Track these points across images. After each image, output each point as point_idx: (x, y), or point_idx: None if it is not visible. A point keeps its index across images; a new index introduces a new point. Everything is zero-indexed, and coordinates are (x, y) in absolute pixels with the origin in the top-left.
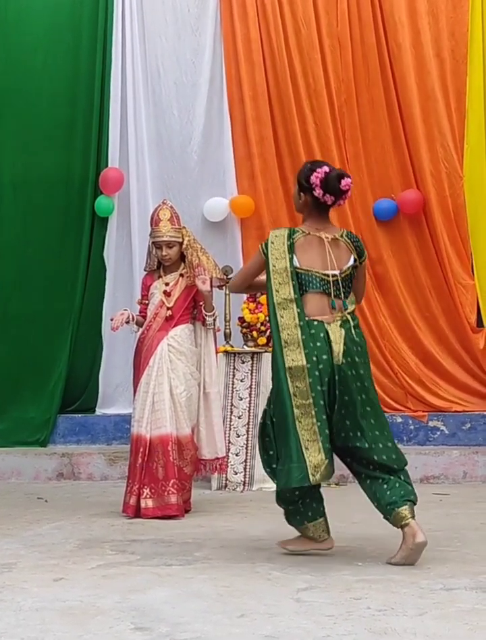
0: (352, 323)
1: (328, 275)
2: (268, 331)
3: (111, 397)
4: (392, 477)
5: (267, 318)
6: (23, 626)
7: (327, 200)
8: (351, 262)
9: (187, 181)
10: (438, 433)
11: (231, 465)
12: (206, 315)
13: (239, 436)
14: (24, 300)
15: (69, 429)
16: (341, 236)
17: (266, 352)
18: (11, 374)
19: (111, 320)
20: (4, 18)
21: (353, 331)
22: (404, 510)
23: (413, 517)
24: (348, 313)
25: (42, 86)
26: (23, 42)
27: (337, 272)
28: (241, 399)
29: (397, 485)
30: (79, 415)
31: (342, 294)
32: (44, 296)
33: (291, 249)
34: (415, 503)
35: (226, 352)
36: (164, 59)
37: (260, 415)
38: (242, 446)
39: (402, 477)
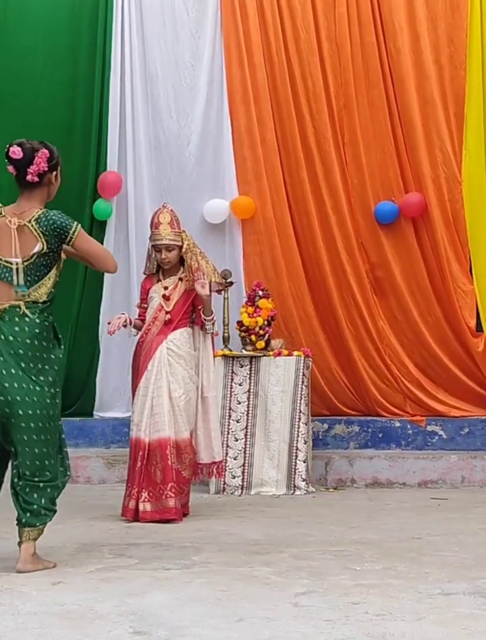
0: (19, 311)
1: (11, 262)
2: (267, 335)
3: (108, 401)
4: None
5: (266, 322)
6: (21, 630)
7: (11, 171)
8: (36, 248)
9: (185, 183)
10: (436, 437)
11: (229, 469)
12: (205, 319)
13: (237, 440)
14: None
15: (67, 433)
16: (29, 221)
17: (265, 356)
18: None
19: (108, 324)
20: (3, 22)
21: (12, 321)
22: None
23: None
24: (26, 302)
25: (40, 90)
26: (22, 46)
27: (19, 260)
28: (239, 403)
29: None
30: (77, 419)
31: (25, 283)
32: None
33: None
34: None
35: (224, 356)
36: (162, 62)
37: (258, 420)
38: (240, 450)
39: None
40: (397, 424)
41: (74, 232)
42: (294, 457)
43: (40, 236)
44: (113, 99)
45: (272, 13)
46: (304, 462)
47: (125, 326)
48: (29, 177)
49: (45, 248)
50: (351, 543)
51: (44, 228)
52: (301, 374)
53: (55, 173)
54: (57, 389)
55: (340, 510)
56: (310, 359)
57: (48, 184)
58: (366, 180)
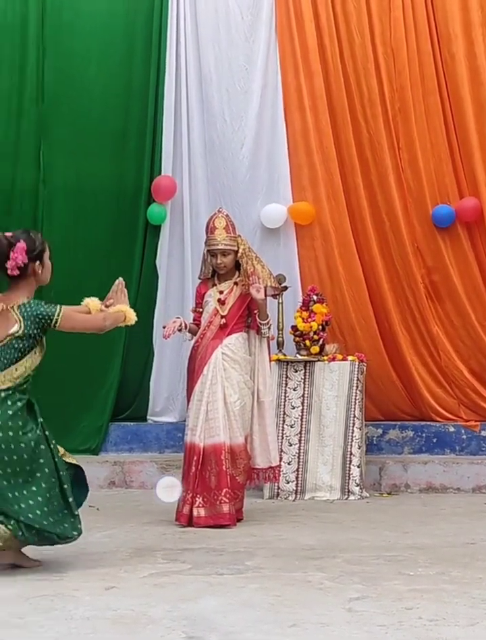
0: None
1: None
2: (322, 340)
3: (162, 406)
4: None
5: (320, 327)
6: (74, 634)
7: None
8: (12, 330)
9: (239, 187)
10: None
11: (283, 474)
12: (260, 324)
13: (291, 445)
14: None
15: (121, 437)
16: (12, 307)
17: (319, 360)
18: (63, 381)
19: (163, 328)
20: (58, 25)
21: None
22: None
23: None
24: None
25: (94, 94)
26: (76, 50)
27: None
28: (293, 408)
29: None
30: (132, 423)
31: None
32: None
33: None
34: None
35: (279, 361)
36: (216, 66)
37: (312, 425)
38: (294, 455)
39: None
40: (452, 429)
41: (58, 316)
42: (348, 462)
43: (20, 320)
44: (167, 103)
45: (327, 19)
46: (358, 467)
47: (180, 330)
48: (9, 272)
49: (22, 331)
50: (405, 548)
51: (26, 314)
52: (355, 378)
53: (38, 262)
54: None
55: (394, 515)
56: (364, 364)
57: (33, 274)
58: (422, 185)
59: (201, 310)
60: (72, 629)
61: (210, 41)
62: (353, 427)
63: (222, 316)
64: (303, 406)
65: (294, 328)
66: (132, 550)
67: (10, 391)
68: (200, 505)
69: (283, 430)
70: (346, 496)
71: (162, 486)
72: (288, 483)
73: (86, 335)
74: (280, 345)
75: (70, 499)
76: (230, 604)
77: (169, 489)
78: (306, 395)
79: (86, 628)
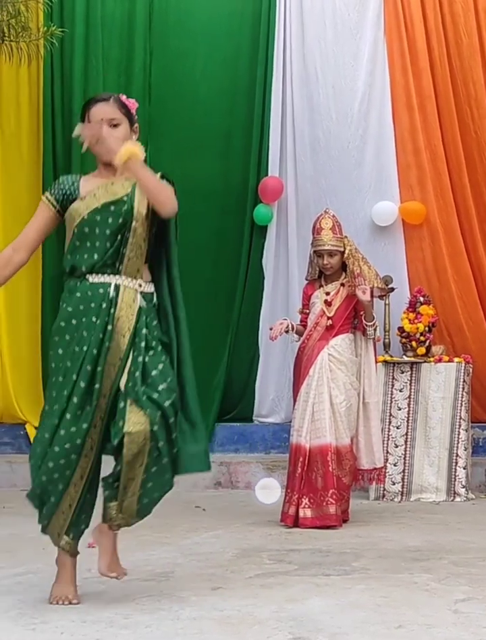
0: None
1: None
2: (428, 341)
3: (268, 406)
4: None
5: (427, 328)
6: (181, 635)
7: None
8: None
9: (346, 185)
10: None
11: (389, 475)
12: (366, 325)
13: (397, 446)
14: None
15: (227, 438)
16: None
17: (425, 362)
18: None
19: (270, 329)
20: (164, 24)
21: None
22: None
23: None
24: None
25: (199, 93)
26: (182, 49)
27: None
28: (399, 409)
29: None
30: (238, 424)
31: None
32: (203, 305)
33: None
34: None
35: (385, 362)
36: (322, 63)
37: (418, 426)
38: (400, 456)
39: None
40: None
41: None
42: (454, 463)
43: None
44: (275, 103)
45: (435, 19)
46: (464, 468)
47: (287, 332)
48: None
49: None
50: None
51: None
52: (462, 380)
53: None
54: None
55: None
56: (471, 365)
57: None
58: None
59: (308, 311)
60: (179, 630)
61: (316, 38)
62: (459, 428)
63: (328, 318)
64: (409, 407)
65: (401, 329)
66: (238, 551)
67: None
68: (307, 506)
69: (389, 431)
70: (452, 498)
71: (260, 487)
72: (394, 484)
73: (193, 334)
74: (387, 346)
75: None
76: (336, 605)
77: (268, 491)
78: (412, 397)
79: (193, 628)
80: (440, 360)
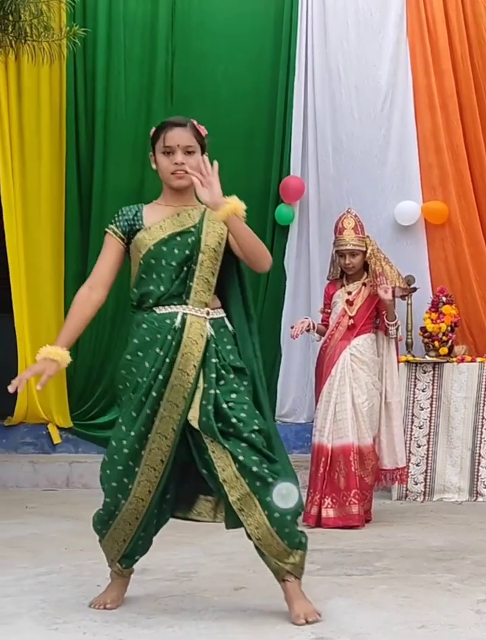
0: None
1: None
2: (451, 341)
3: (289, 406)
4: None
5: (449, 328)
6: (203, 635)
7: None
8: None
9: (369, 185)
10: None
11: (412, 475)
12: (388, 325)
13: (419, 446)
14: None
15: None
16: None
17: (448, 362)
18: None
19: (291, 328)
20: (187, 25)
21: None
22: None
23: None
24: None
25: (222, 95)
26: (204, 50)
27: None
28: (422, 409)
29: None
30: None
31: None
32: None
33: None
34: None
35: (407, 362)
36: (345, 63)
37: (441, 426)
38: (423, 456)
39: None
40: None
41: None
42: (477, 463)
43: None
44: (297, 103)
45: (457, 19)
46: None
47: (308, 331)
48: None
49: None
50: None
51: None
52: (484, 380)
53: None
54: None
55: None
56: None
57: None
58: None
59: (329, 310)
60: (201, 629)
61: (338, 38)
62: (482, 428)
63: (350, 317)
64: (431, 407)
65: (423, 329)
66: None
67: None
68: (329, 506)
69: (411, 431)
70: (474, 498)
71: (277, 491)
72: (416, 484)
73: None
74: (409, 346)
75: None
76: (359, 605)
77: (285, 496)
78: (434, 397)
79: (215, 628)
80: (462, 360)
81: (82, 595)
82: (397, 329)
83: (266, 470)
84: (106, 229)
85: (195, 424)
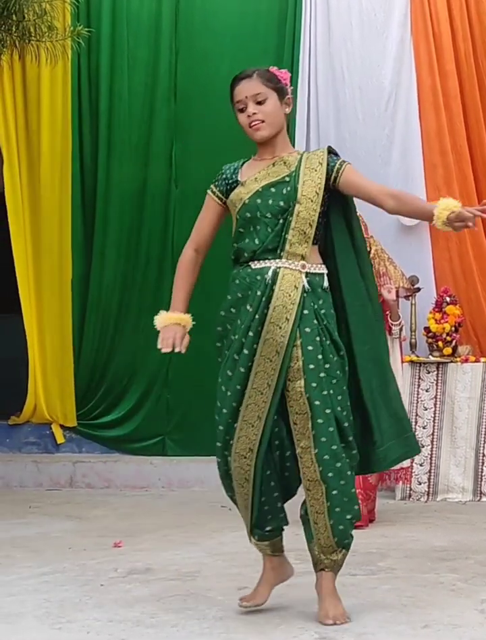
0: None
1: None
2: (454, 341)
3: None
4: None
5: (453, 328)
6: (207, 634)
7: None
8: None
9: None
10: None
11: (415, 475)
12: (392, 324)
13: (423, 446)
14: (198, 309)
15: None
16: None
17: (452, 362)
18: (202, 382)
19: None
20: (190, 24)
21: None
22: None
23: None
24: None
25: (226, 94)
26: (208, 49)
27: None
28: (426, 409)
29: None
30: None
31: None
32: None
33: None
34: None
35: (411, 362)
36: (349, 63)
37: (444, 426)
38: (426, 456)
39: None
40: None
41: None
42: (481, 463)
43: None
44: (300, 103)
45: (461, 18)
46: None
47: None
48: None
49: None
50: None
51: None
52: None
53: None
54: None
55: None
56: None
57: None
58: None
59: None
60: (205, 629)
61: (342, 38)
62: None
63: None
64: (435, 407)
65: (427, 329)
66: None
67: None
68: None
69: (415, 431)
70: (478, 498)
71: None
72: (420, 484)
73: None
74: (413, 346)
75: None
76: (362, 605)
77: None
78: (438, 397)
79: (219, 628)
80: (466, 361)
81: (85, 594)
82: (401, 329)
83: (340, 462)
84: (208, 190)
85: (300, 385)
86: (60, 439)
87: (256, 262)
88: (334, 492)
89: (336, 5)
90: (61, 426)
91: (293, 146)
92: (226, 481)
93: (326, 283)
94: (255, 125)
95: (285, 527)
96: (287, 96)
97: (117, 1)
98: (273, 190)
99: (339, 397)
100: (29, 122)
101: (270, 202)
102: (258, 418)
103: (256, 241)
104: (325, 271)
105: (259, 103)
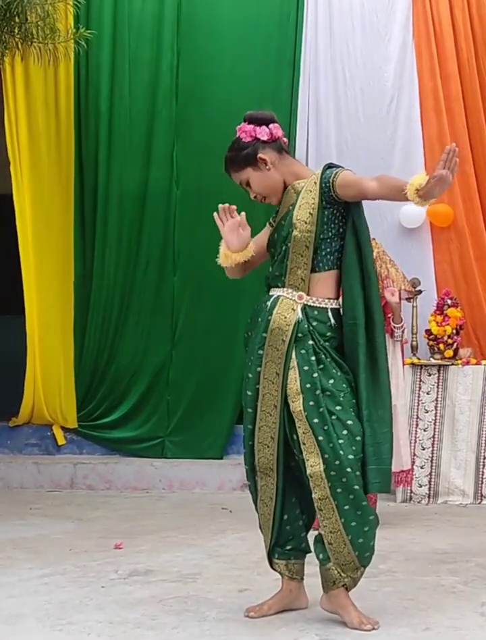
0: None
1: None
2: (456, 344)
3: None
4: None
5: (454, 331)
6: (207, 636)
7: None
8: None
9: None
10: None
11: (416, 478)
12: (394, 327)
13: (424, 449)
14: (198, 310)
15: None
16: None
17: (453, 364)
18: (195, 384)
19: None
20: (192, 24)
21: None
22: None
23: None
24: None
25: (227, 96)
26: (209, 50)
27: None
28: (427, 411)
29: None
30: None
31: None
32: (229, 305)
33: None
34: None
35: (412, 365)
36: (351, 66)
37: (445, 429)
38: (427, 459)
39: None
40: None
41: None
42: (482, 466)
43: None
44: (302, 105)
45: (463, 21)
46: None
47: None
48: None
49: None
50: None
51: None
52: None
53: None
54: None
55: None
56: None
57: None
58: None
59: None
60: (205, 631)
61: (344, 41)
62: None
63: None
64: (436, 410)
65: (428, 332)
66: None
67: None
68: None
69: (416, 434)
70: (479, 500)
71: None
72: (421, 486)
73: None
74: (414, 349)
75: None
76: (363, 608)
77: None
78: (439, 400)
79: (219, 630)
80: (467, 363)
81: (86, 596)
82: (402, 332)
83: (350, 477)
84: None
85: (298, 405)
86: (61, 440)
87: (271, 289)
88: (346, 507)
89: (338, 6)
90: (62, 427)
91: (294, 150)
92: (254, 498)
93: (331, 320)
94: (261, 201)
95: (306, 554)
96: (258, 156)
97: (118, 1)
98: (283, 222)
99: (351, 410)
100: (32, 123)
101: (282, 232)
102: (271, 439)
103: (270, 269)
104: (330, 306)
105: (249, 185)
